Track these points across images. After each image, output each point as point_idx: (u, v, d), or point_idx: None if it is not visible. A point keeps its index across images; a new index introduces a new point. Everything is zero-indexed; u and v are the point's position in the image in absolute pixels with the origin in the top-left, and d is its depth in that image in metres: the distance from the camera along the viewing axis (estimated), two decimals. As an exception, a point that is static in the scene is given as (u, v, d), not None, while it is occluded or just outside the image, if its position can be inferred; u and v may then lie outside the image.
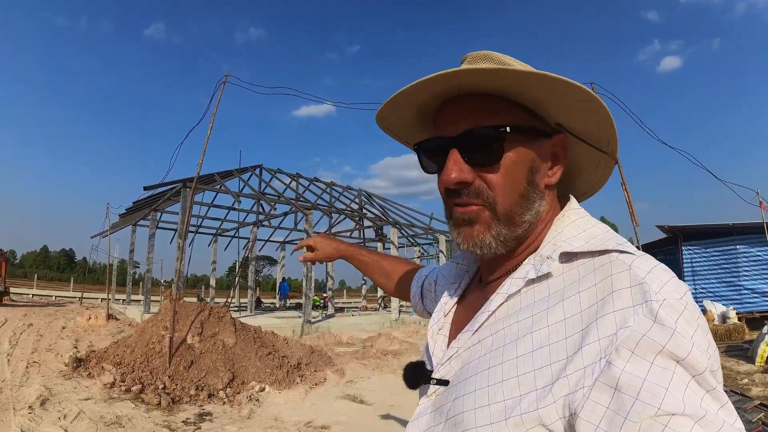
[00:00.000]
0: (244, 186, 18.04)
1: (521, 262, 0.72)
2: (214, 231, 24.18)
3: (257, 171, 19.76)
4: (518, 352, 0.63)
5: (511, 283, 0.70)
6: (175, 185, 14.67)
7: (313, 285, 17.05)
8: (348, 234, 25.95)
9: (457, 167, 0.69)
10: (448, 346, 0.76)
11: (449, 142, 0.70)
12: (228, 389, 6.49)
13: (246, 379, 6.94)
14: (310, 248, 1.39)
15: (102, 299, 25.44)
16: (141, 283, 25.06)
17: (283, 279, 27.47)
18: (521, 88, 0.66)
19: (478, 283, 0.84)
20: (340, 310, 24.37)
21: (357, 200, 24.12)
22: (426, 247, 30.62)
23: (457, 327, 0.78)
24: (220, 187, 16.13)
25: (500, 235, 0.70)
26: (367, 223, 23.42)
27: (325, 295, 22.98)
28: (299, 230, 24.28)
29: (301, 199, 20.00)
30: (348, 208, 22.63)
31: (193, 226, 22.07)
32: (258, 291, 23.55)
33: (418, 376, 0.76)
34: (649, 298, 0.55)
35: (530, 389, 0.59)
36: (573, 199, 0.77)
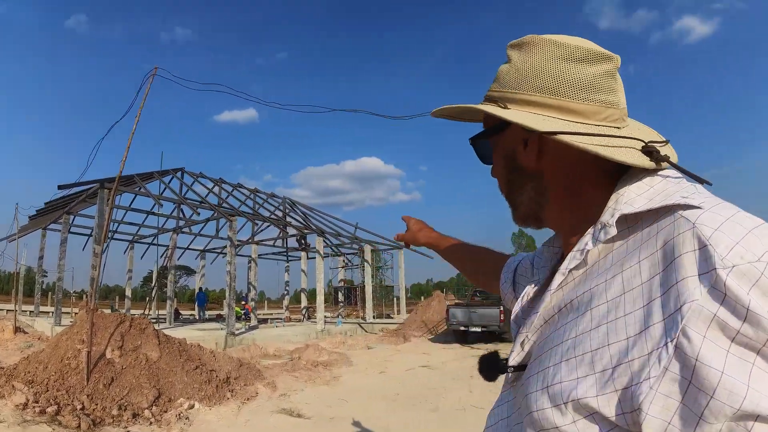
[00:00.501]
0: (165, 189, 17.12)
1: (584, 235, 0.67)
2: (130, 237, 22.78)
3: (179, 174, 18.83)
4: (578, 330, 0.59)
5: (571, 257, 0.65)
6: (92, 185, 13.56)
7: (235, 295, 16.42)
8: (272, 242, 25.32)
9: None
10: None
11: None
12: (154, 407, 5.98)
13: (173, 395, 6.45)
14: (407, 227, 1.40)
15: (8, 310, 23.05)
16: (50, 293, 23.04)
17: (200, 289, 26.25)
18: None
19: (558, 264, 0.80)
20: (263, 321, 23.65)
21: (281, 208, 23.63)
22: (350, 256, 30.54)
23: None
24: (140, 189, 15.16)
25: (516, 214, 0.77)
26: (291, 231, 22.99)
27: (247, 304, 22.18)
28: (221, 238, 23.35)
29: (224, 204, 19.30)
30: (273, 215, 22.10)
31: (109, 231, 20.62)
32: (175, 302, 22.34)
33: (493, 367, 0.74)
34: (714, 265, 0.47)
35: (588, 372, 0.54)
36: (631, 158, 0.67)
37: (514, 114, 0.67)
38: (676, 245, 0.51)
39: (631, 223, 0.60)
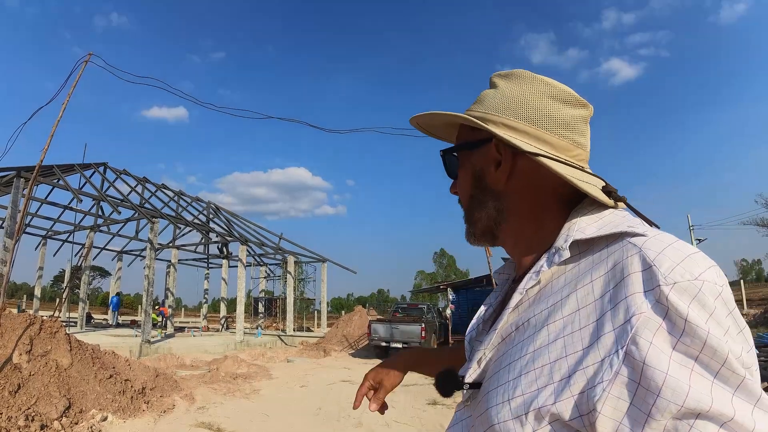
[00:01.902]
0: (86, 183, 16.14)
1: (539, 255, 0.74)
2: (44, 232, 21.05)
3: (101, 169, 17.85)
4: (535, 345, 0.63)
5: (528, 278, 0.70)
6: (7, 173, 12.53)
7: (151, 301, 15.69)
8: (194, 248, 24.44)
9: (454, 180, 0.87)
10: None
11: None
12: (64, 419, 5.65)
13: (85, 406, 6.12)
14: (373, 388, 1.17)
15: None
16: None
17: (117, 294, 24.78)
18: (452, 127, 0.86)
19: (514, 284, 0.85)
20: (180, 329, 22.65)
21: (205, 213, 22.94)
22: (272, 267, 30.02)
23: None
24: (59, 181, 14.18)
25: (471, 229, 0.82)
26: (214, 237, 22.34)
27: (164, 308, 21.10)
28: (141, 239, 22.22)
29: (146, 205, 18.48)
30: (196, 220, 21.41)
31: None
32: (87, 305, 20.93)
33: (450, 383, 0.75)
34: (658, 282, 0.53)
35: (547, 382, 0.58)
36: (596, 192, 0.72)
37: (501, 131, 0.73)
38: (624, 266, 0.57)
39: (583, 248, 0.67)
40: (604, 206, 0.70)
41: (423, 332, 14.91)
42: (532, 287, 0.70)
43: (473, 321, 0.85)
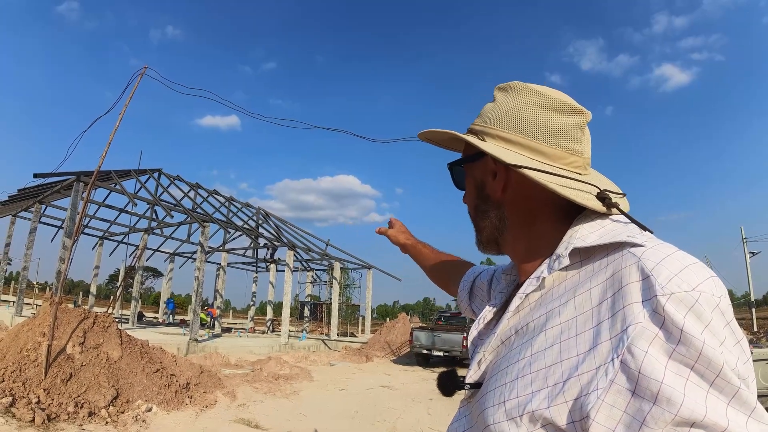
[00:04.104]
0: (141, 188, 16.90)
1: (540, 262, 0.75)
2: (101, 233, 22.26)
3: (156, 175, 18.63)
4: (533, 349, 0.64)
5: (528, 283, 0.72)
6: (68, 177, 13.34)
7: (201, 301, 16.22)
8: (242, 252, 25.12)
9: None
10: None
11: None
12: (111, 407, 5.91)
13: (131, 397, 6.39)
14: (390, 225, 1.49)
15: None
16: (12, 282, 22.20)
17: (171, 298, 25.93)
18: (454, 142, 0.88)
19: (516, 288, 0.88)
20: (227, 330, 23.30)
21: (255, 218, 23.51)
22: (319, 272, 30.41)
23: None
24: (116, 186, 14.95)
25: (479, 238, 0.86)
26: (263, 242, 22.86)
27: (213, 309, 21.78)
28: (192, 243, 23.06)
29: (198, 209, 19.13)
30: (246, 225, 21.97)
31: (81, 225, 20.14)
32: (140, 303, 21.92)
33: (451, 383, 0.78)
34: (655, 292, 0.53)
35: (541, 386, 0.59)
36: (595, 201, 0.76)
37: (488, 146, 0.76)
38: (623, 276, 0.58)
39: (584, 256, 0.68)
40: (606, 215, 0.71)
41: (464, 341, 14.72)
42: (532, 292, 0.71)
43: (475, 322, 0.86)
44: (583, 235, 0.68)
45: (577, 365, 0.57)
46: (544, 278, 0.70)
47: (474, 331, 0.84)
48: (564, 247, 0.69)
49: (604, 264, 0.63)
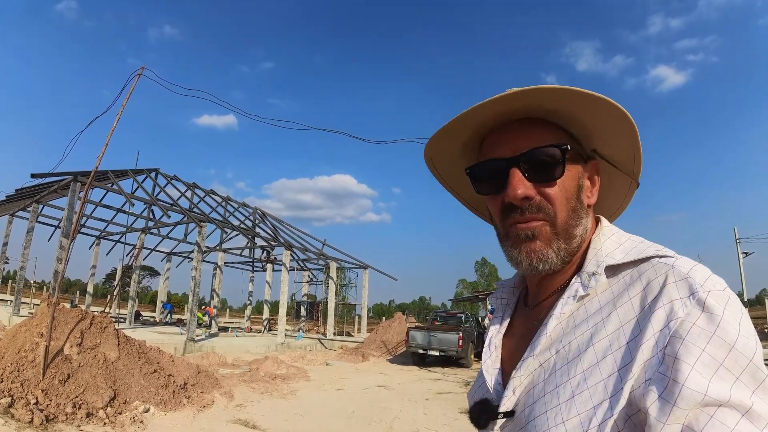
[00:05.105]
0: (138, 188, 16.93)
1: (567, 280, 0.76)
2: (98, 233, 22.25)
3: (153, 175, 18.63)
4: (584, 365, 0.65)
5: (564, 303, 0.72)
6: (65, 177, 13.34)
7: (198, 301, 16.23)
8: (239, 251, 25.12)
9: (522, 184, 0.73)
10: (503, 376, 0.79)
11: (509, 162, 0.74)
12: (109, 408, 5.94)
13: (129, 398, 6.42)
14: None
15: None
16: (9, 281, 22.17)
17: (167, 302, 26.08)
18: (574, 109, 0.73)
19: (523, 308, 0.88)
20: (224, 329, 23.32)
21: (251, 218, 23.53)
22: (315, 272, 30.43)
23: (511, 356, 0.80)
24: (113, 185, 14.97)
25: (560, 250, 0.74)
26: (260, 242, 22.88)
27: (210, 308, 21.80)
28: (189, 242, 23.09)
29: (195, 209, 19.15)
30: (242, 225, 21.99)
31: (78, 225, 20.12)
32: (137, 303, 21.91)
33: (486, 414, 0.74)
34: (696, 290, 0.59)
35: (603, 398, 0.60)
36: (603, 218, 0.82)
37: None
38: (660, 281, 0.63)
39: (609, 272, 0.71)
40: (613, 227, 0.79)
41: (460, 341, 14.77)
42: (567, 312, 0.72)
43: (485, 349, 0.85)
44: (609, 252, 0.73)
45: (630, 368, 0.59)
46: (582, 296, 0.71)
47: (487, 359, 0.83)
48: (595, 265, 0.72)
49: (635, 275, 0.67)
